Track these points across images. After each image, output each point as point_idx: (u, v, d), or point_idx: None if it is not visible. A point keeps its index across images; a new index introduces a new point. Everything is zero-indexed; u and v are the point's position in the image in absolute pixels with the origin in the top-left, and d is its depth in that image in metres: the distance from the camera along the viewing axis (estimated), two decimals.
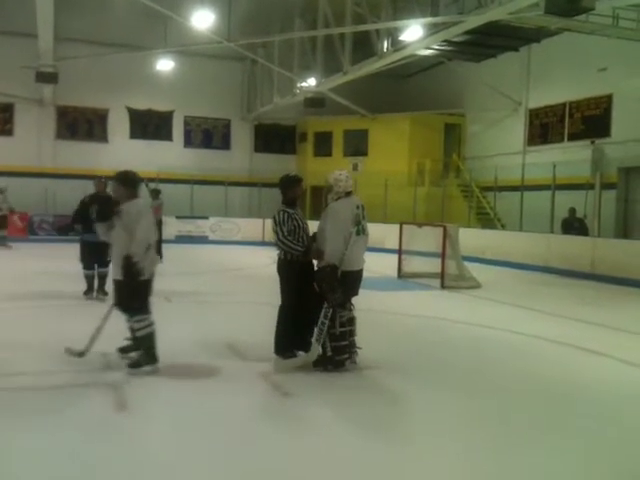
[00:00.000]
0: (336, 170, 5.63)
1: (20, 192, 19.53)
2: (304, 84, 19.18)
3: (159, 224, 14.58)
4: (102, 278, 8.96)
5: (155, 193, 14.94)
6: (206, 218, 21.35)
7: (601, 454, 3.92)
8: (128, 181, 5.44)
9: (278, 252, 5.62)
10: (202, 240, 20.78)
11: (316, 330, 5.38)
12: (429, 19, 13.26)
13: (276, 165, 22.60)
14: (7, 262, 13.65)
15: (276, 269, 5.67)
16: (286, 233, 5.43)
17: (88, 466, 3.48)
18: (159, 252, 14.50)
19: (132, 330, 5.42)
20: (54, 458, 3.58)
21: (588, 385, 5.38)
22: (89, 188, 9.08)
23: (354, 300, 5.57)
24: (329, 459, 3.68)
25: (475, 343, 6.94)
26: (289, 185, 5.62)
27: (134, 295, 5.22)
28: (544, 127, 18.08)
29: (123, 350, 5.59)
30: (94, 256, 8.79)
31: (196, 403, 4.57)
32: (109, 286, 8.89)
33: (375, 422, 4.33)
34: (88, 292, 8.99)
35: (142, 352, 5.31)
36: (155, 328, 5.34)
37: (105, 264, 8.93)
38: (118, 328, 5.45)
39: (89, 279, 8.98)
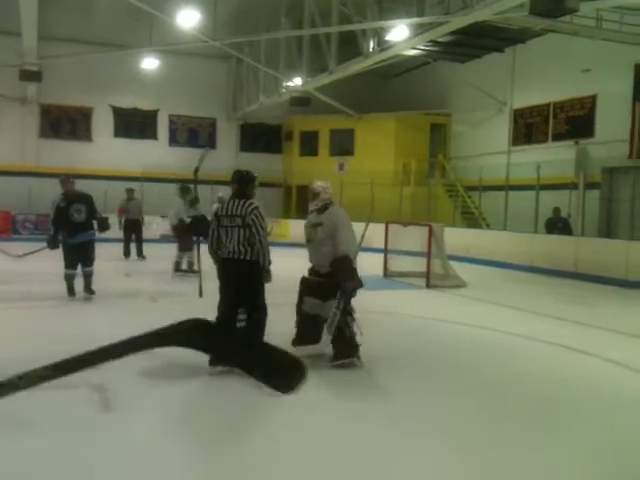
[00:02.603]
0: (318, 181, 5.81)
1: (3, 191, 19.41)
2: (290, 83, 19.17)
3: (138, 223, 14.53)
4: (88, 277, 8.86)
5: (131, 192, 14.96)
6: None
7: (586, 452, 3.95)
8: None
9: (242, 252, 5.17)
10: None
11: (327, 323, 5.35)
12: (415, 19, 13.30)
13: (262, 164, 22.53)
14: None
15: (241, 274, 5.20)
16: (264, 233, 5.22)
17: (73, 466, 3.46)
18: (140, 252, 14.45)
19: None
20: (39, 459, 3.55)
21: (572, 384, 5.42)
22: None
23: None
24: (322, 458, 3.69)
25: (459, 342, 6.97)
26: (252, 181, 5.41)
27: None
28: (528, 127, 18.20)
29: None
30: (77, 257, 8.71)
31: (184, 403, 4.56)
32: (97, 285, 8.94)
33: (366, 420, 4.33)
34: (70, 294, 8.75)
35: None
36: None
37: (90, 263, 8.87)
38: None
39: (69, 280, 8.71)
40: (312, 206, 5.76)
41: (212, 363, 5.16)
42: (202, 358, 5.34)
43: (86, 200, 8.81)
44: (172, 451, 3.73)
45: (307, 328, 5.68)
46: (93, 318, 7.81)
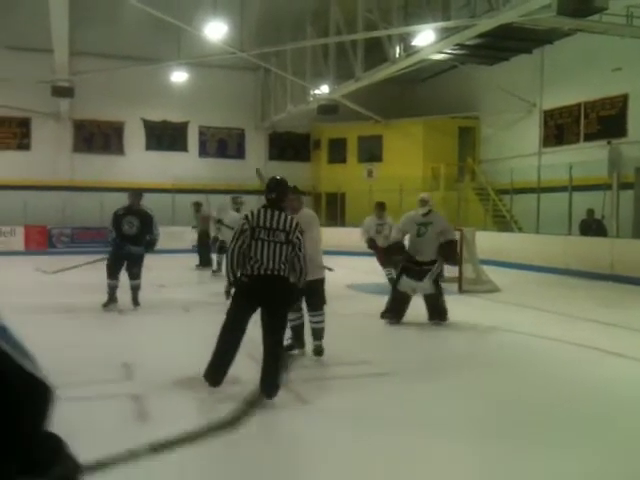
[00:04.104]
0: (424, 193, 8.79)
1: (38, 205, 19.80)
2: (317, 91, 19.24)
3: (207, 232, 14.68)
4: (134, 290, 9.04)
5: (197, 206, 15.41)
6: None
7: (622, 456, 3.88)
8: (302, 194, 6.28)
9: (281, 269, 4.77)
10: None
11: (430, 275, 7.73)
12: (441, 23, 13.25)
13: (291, 173, 22.40)
14: (27, 274, 13.79)
15: (276, 291, 4.80)
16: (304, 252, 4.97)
17: (110, 475, 3.50)
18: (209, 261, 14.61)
19: (299, 327, 6.17)
20: None
21: (608, 387, 5.33)
22: (107, 200, 9.15)
23: None
24: (342, 467, 3.68)
25: (494, 347, 6.91)
26: (289, 189, 5.11)
27: (323, 293, 6.12)
28: (559, 128, 17.98)
29: (287, 348, 6.04)
30: (121, 268, 8.90)
31: (214, 412, 4.58)
32: (145, 297, 9.07)
33: (394, 427, 4.31)
34: (108, 303, 8.87)
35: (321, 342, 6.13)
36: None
37: (136, 276, 9.02)
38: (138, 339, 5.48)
39: (111, 289, 8.90)
40: (422, 210, 8.01)
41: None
42: (236, 368, 5.37)
43: (142, 217, 8.97)
44: (200, 460, 3.76)
45: (398, 302, 7.90)
46: (129, 329, 7.93)
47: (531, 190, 16.88)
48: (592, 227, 14.63)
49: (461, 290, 11.09)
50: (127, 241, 8.79)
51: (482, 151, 21.47)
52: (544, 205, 16.21)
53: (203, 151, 23.40)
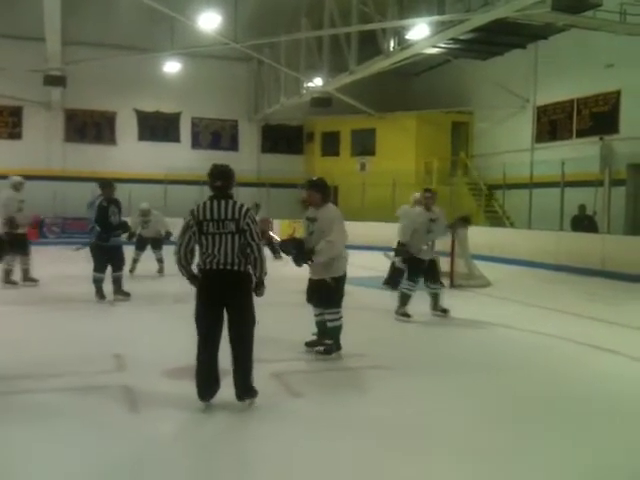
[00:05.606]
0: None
1: (30, 195, 19.61)
2: (310, 84, 19.20)
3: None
4: (117, 281, 8.98)
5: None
6: None
7: (618, 452, 3.90)
8: (323, 188, 5.92)
9: (235, 263, 4.40)
10: None
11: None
12: (435, 17, 13.25)
13: (284, 165, 22.67)
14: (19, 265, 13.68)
15: (233, 287, 4.44)
16: (260, 240, 4.54)
17: (102, 465, 3.50)
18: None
19: (321, 323, 6.04)
20: (70, 458, 3.60)
21: (600, 382, 5.35)
22: (98, 191, 8.99)
23: None
24: (335, 461, 3.69)
25: (485, 341, 6.92)
26: (234, 176, 4.67)
27: (334, 290, 5.88)
28: (552, 124, 18.02)
29: (309, 344, 6.11)
30: (108, 260, 8.81)
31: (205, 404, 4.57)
32: (136, 289, 9.03)
33: (386, 423, 4.32)
34: (102, 296, 8.81)
35: (333, 341, 5.94)
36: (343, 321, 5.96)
37: (120, 267, 8.98)
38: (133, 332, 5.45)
39: (98, 283, 8.80)
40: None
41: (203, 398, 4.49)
42: (229, 360, 5.37)
43: (118, 204, 8.96)
44: (192, 451, 3.76)
45: (396, 274, 9.65)
46: (120, 320, 7.91)
47: (523, 185, 16.93)
48: (583, 223, 14.69)
49: (453, 284, 11.10)
50: (112, 231, 8.75)
51: (475, 146, 21.50)
52: (536, 201, 16.25)
53: (196, 142, 23.33)
